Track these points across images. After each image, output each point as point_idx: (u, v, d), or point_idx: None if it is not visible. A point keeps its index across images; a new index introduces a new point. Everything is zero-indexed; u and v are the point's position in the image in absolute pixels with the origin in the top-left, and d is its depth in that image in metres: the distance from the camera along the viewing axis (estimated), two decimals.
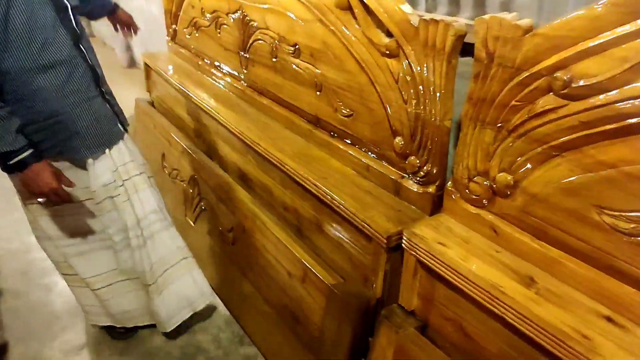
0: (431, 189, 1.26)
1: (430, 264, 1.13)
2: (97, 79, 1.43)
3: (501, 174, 1.07)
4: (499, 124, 1.05)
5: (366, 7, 1.31)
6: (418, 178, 1.29)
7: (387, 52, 1.25)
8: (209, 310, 1.88)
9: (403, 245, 1.19)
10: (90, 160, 1.42)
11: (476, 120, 1.09)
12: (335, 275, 1.39)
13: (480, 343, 1.10)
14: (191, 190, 2.14)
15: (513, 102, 1.00)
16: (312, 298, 1.41)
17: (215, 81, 2.24)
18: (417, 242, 1.15)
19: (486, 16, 1.00)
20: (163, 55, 2.70)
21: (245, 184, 1.89)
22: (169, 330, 1.69)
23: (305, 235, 1.59)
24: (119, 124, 1.51)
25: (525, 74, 0.96)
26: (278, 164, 1.59)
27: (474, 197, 1.15)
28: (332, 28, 1.40)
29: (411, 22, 1.15)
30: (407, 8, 1.17)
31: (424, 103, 1.19)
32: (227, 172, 1.99)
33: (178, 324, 1.70)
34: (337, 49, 1.42)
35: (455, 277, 1.07)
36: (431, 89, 1.16)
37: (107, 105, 1.46)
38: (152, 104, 2.77)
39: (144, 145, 2.62)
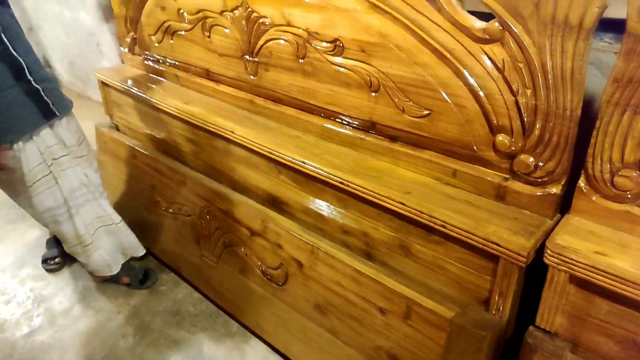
0: (555, 189, 1.09)
1: (592, 279, 0.96)
2: (18, 70, 1.48)
3: None
4: None
5: None
6: (533, 178, 1.12)
7: (487, 36, 1.05)
8: None
9: (547, 261, 1.01)
10: (19, 144, 1.55)
11: (625, 105, 0.93)
12: (447, 304, 1.19)
13: None
14: (205, 225, 1.83)
15: None
16: (423, 335, 1.21)
17: (207, 94, 1.91)
18: (569, 255, 0.98)
19: None
20: (121, 70, 2.30)
21: (279, 209, 1.62)
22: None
23: (378, 260, 1.37)
24: (50, 107, 1.58)
25: None
26: (335, 183, 1.35)
27: (619, 192, 1.00)
28: (397, 15, 1.18)
29: None
30: None
31: (547, 91, 1.01)
32: (247, 198, 1.71)
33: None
34: (403, 40, 1.20)
35: (634, 290, 0.92)
36: (559, 74, 0.98)
37: (31, 95, 1.52)
38: (116, 128, 2.37)
39: (117, 180, 2.24)
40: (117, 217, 1.94)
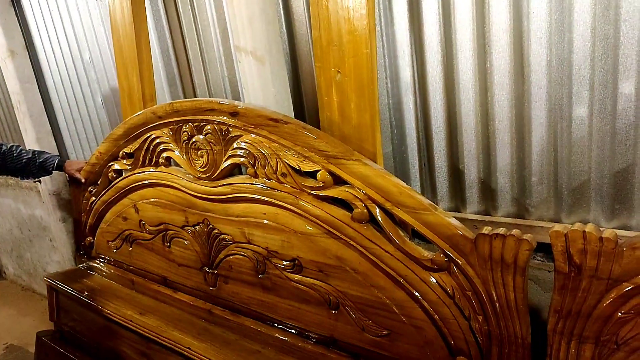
0: None
1: None
2: None
3: None
4: (603, 338, 0.96)
5: (393, 219, 1.22)
6: None
7: (435, 266, 1.15)
8: None
9: None
10: None
11: (570, 335, 1.00)
12: None
13: None
14: None
15: (618, 315, 0.94)
16: None
17: (163, 301, 1.88)
18: None
19: (560, 228, 0.97)
20: (72, 274, 2.24)
21: None
22: None
23: None
24: None
25: (629, 285, 0.92)
26: None
27: None
28: (352, 243, 1.28)
29: (465, 236, 1.08)
30: (455, 221, 1.11)
31: (497, 319, 1.08)
32: None
33: None
34: (359, 264, 1.28)
35: None
36: (505, 304, 1.06)
37: None
38: (60, 335, 2.21)
39: None
40: None
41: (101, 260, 2.17)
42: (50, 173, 2.21)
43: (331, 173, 1.30)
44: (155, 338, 1.68)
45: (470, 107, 1.38)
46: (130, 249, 1.99)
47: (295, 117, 1.55)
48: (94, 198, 2.12)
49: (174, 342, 1.61)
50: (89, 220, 2.17)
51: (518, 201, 1.35)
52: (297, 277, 1.42)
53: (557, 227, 0.98)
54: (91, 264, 2.22)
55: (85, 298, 1.97)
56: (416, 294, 1.19)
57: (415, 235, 1.22)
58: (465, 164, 1.42)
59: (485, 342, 1.11)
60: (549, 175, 1.31)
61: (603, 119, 1.18)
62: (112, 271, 2.11)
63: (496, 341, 1.09)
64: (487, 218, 1.41)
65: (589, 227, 0.94)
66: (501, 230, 1.04)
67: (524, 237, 1.00)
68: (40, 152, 2.19)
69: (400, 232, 1.21)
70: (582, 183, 1.26)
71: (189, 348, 1.56)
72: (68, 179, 2.26)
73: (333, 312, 1.36)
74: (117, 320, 1.83)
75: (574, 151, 1.25)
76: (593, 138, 1.21)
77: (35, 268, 3.52)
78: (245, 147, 1.47)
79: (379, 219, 1.22)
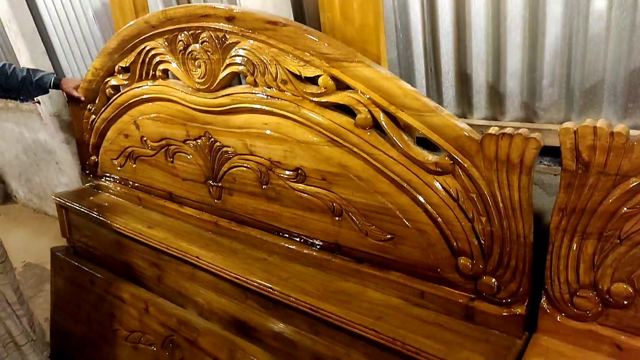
0: (520, 310, 1.12)
1: None
2: None
3: (616, 284, 0.98)
4: (606, 234, 0.97)
5: (397, 123, 1.19)
6: (498, 299, 1.15)
7: (439, 169, 1.13)
8: None
9: None
10: None
11: (573, 232, 1.00)
12: None
13: None
14: (168, 354, 1.73)
15: (623, 210, 0.93)
16: None
17: (171, 215, 1.91)
18: None
19: (570, 124, 0.94)
20: (80, 193, 2.27)
21: (247, 335, 1.56)
22: None
23: None
24: None
25: (637, 180, 0.90)
26: (305, 309, 1.33)
27: (581, 312, 1.04)
28: (355, 150, 1.26)
29: (471, 137, 1.06)
30: (461, 123, 1.08)
31: (500, 219, 1.08)
32: (213, 324, 1.65)
33: None
34: (362, 170, 1.27)
35: None
36: (509, 204, 1.05)
37: None
38: (74, 251, 2.29)
39: (72, 307, 2.13)
40: (23, 339, 1.93)
41: (107, 178, 2.19)
42: (47, 92, 2.17)
43: (333, 78, 1.25)
44: (164, 249, 1.73)
45: (480, 6, 1.29)
46: (134, 166, 1.99)
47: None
48: (93, 116, 2.09)
49: (183, 252, 1.66)
50: (91, 140, 2.15)
51: (527, 105, 1.31)
52: (301, 186, 1.42)
53: (567, 124, 0.95)
54: (97, 182, 2.24)
55: (95, 214, 2.01)
56: (420, 198, 1.18)
57: (420, 144, 1.19)
58: (474, 68, 1.37)
59: (487, 242, 1.12)
60: (561, 77, 1.26)
61: (623, 11, 1.11)
62: (118, 189, 2.13)
63: (498, 241, 1.10)
64: (494, 123, 1.37)
65: (600, 122, 0.91)
66: (508, 130, 1.01)
67: (532, 136, 0.98)
68: (35, 70, 2.13)
69: (405, 136, 1.18)
70: (596, 83, 1.21)
71: (197, 257, 1.61)
72: (67, 98, 2.21)
73: (337, 219, 1.37)
74: (126, 233, 1.87)
75: (589, 49, 1.18)
76: (610, 34, 1.14)
77: (45, 191, 3.58)
78: (243, 54, 1.41)
79: (383, 123, 1.19)
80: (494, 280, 1.14)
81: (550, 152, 1.27)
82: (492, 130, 1.03)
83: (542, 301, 1.09)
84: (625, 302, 0.99)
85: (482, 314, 1.17)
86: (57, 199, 2.22)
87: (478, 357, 1.08)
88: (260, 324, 1.52)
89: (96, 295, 2.02)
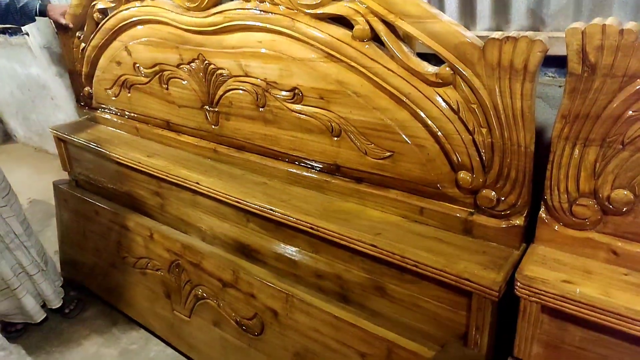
0: (519, 221, 1.13)
1: (562, 307, 0.99)
2: None
3: (617, 191, 0.97)
4: (609, 139, 0.94)
5: (397, 34, 1.14)
6: (497, 212, 1.15)
7: (439, 80, 1.09)
8: None
9: (518, 293, 1.03)
10: None
11: (575, 139, 0.98)
12: (426, 343, 1.19)
13: None
14: (174, 278, 1.78)
15: (628, 114, 0.91)
16: None
17: (169, 145, 1.89)
18: (538, 286, 1.00)
19: (578, 24, 0.89)
20: (78, 125, 2.25)
21: (250, 257, 1.60)
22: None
23: (355, 302, 1.36)
24: None
25: None
26: (305, 228, 1.35)
27: (579, 221, 1.04)
28: (353, 64, 1.21)
29: (473, 43, 1.01)
30: (463, 29, 1.02)
31: (501, 130, 1.05)
32: (216, 248, 1.68)
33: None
34: (360, 86, 1.23)
35: (603, 316, 0.94)
36: (511, 113, 1.03)
37: None
38: (76, 184, 2.30)
39: (80, 237, 2.17)
40: (33, 269, 1.97)
41: (103, 109, 2.15)
42: (34, 19, 2.08)
43: None
44: (164, 177, 1.73)
45: None
46: (129, 95, 1.94)
47: None
48: (83, 44, 2.02)
49: (183, 179, 1.66)
50: (84, 69, 2.10)
51: (533, 12, 1.24)
52: (298, 107, 1.39)
53: (574, 24, 0.90)
54: (94, 114, 2.21)
55: (93, 145, 1.99)
56: (419, 112, 1.15)
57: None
58: None
59: (487, 154, 1.10)
60: None
61: None
62: (115, 119, 2.10)
63: (499, 153, 1.08)
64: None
65: (610, 20, 0.86)
66: (512, 33, 0.96)
67: (537, 38, 0.93)
68: None
69: (404, 47, 1.13)
70: None
71: (197, 183, 1.61)
72: (54, 27, 2.13)
73: (335, 139, 1.35)
74: (126, 163, 1.87)
75: None
76: None
77: (44, 129, 3.55)
78: None
79: (382, 34, 1.14)
80: (493, 193, 1.13)
81: (556, 63, 1.22)
82: (495, 35, 0.98)
83: (540, 211, 1.09)
84: (624, 209, 0.98)
85: (481, 227, 1.18)
86: (55, 131, 2.20)
87: (475, 266, 1.09)
88: (262, 246, 1.55)
89: (102, 225, 2.05)
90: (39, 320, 2.01)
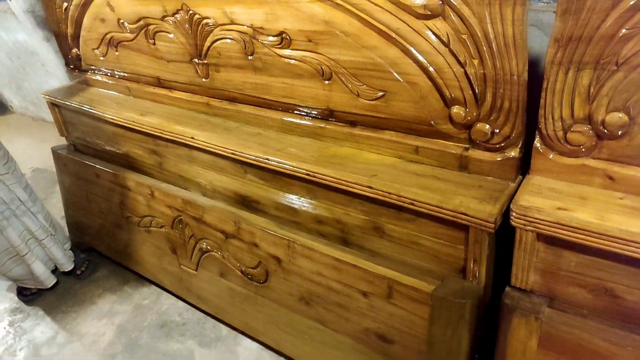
0: (514, 153, 1.12)
1: (557, 234, 0.99)
2: None
3: (612, 114, 0.96)
4: (603, 61, 0.92)
5: None
6: (492, 145, 1.14)
7: (428, 12, 1.06)
8: None
9: (513, 223, 1.04)
10: None
11: (569, 63, 0.95)
12: (425, 278, 1.22)
13: (636, 300, 1.01)
14: (179, 234, 1.81)
15: (623, 32, 0.88)
16: (407, 311, 1.23)
17: (162, 102, 1.88)
18: (533, 215, 1.01)
19: None
20: (70, 89, 2.22)
21: (251, 208, 1.61)
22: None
23: (355, 244, 1.39)
24: None
25: None
26: (302, 175, 1.35)
27: (574, 148, 1.03)
28: (338, 2, 1.17)
29: None
30: None
31: (493, 59, 1.03)
32: (217, 202, 1.70)
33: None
34: (348, 25, 1.19)
35: (598, 240, 0.95)
36: (502, 41, 1.00)
37: None
38: (74, 148, 2.30)
39: (83, 200, 2.19)
40: (42, 234, 2.00)
41: (93, 71, 2.12)
42: None
43: None
44: (159, 134, 1.72)
45: None
46: (117, 53, 1.91)
47: None
48: (65, 4, 1.96)
49: (178, 135, 1.65)
50: (69, 30, 2.05)
51: None
52: (287, 52, 1.36)
53: None
54: (84, 77, 2.17)
55: (87, 107, 1.97)
56: (409, 47, 1.12)
57: None
58: None
59: (480, 87, 1.08)
60: None
61: None
62: (106, 80, 2.07)
63: (491, 84, 1.06)
64: None
65: None
66: None
67: None
68: None
69: None
70: None
71: (192, 137, 1.60)
72: None
73: (326, 82, 1.33)
74: (121, 123, 1.86)
75: None
76: None
77: (38, 97, 3.52)
78: None
79: None
80: (487, 126, 1.12)
81: None
82: None
83: (535, 141, 1.08)
84: (619, 132, 0.97)
85: (477, 162, 1.18)
86: (47, 96, 2.18)
87: (471, 200, 1.10)
88: (261, 196, 1.56)
89: (103, 187, 2.06)
90: (49, 286, 2.07)
